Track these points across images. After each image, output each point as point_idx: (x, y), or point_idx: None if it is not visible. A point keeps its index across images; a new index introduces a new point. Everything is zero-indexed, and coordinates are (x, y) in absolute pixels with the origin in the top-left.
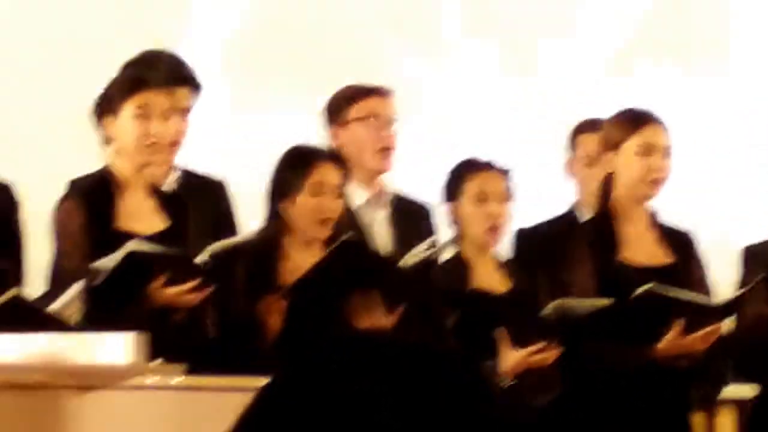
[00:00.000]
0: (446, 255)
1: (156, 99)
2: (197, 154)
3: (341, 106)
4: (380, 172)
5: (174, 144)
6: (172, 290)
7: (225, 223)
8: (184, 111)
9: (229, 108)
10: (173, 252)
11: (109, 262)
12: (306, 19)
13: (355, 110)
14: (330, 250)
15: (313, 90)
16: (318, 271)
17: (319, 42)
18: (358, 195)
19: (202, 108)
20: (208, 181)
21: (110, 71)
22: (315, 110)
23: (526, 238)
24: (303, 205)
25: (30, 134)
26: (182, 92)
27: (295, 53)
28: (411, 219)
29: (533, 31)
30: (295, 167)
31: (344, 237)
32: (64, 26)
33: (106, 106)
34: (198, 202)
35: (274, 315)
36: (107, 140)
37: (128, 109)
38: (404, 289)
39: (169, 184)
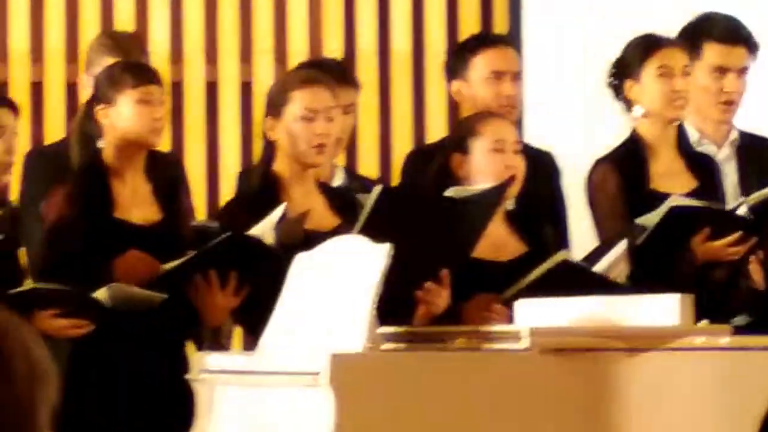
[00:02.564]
0: None
1: (677, 56)
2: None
3: None
4: None
5: (729, 103)
6: (716, 244)
7: None
8: (741, 71)
9: None
10: (714, 206)
11: (651, 219)
12: None
13: None
14: None
15: None
16: None
17: None
18: None
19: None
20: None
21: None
22: None
23: None
24: None
25: (563, 105)
26: (739, 51)
27: None
28: None
29: None
30: None
31: None
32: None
33: (625, 69)
34: (754, 163)
35: None
36: (630, 104)
37: (649, 70)
38: None
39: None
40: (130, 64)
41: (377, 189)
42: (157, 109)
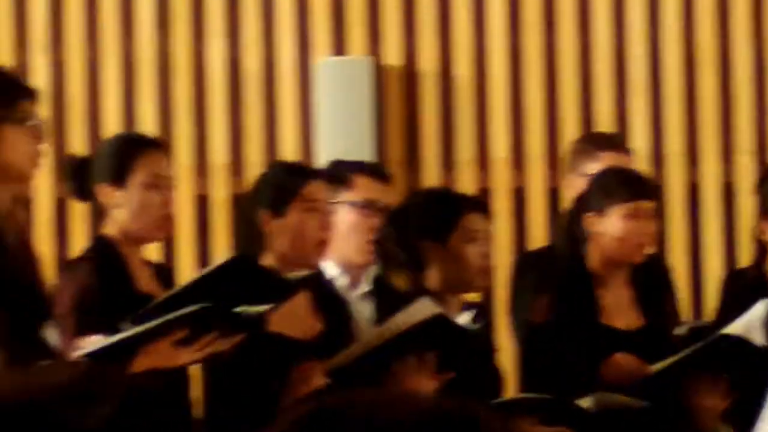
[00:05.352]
0: None
1: None
2: None
3: None
4: None
5: None
6: None
7: None
8: None
9: None
10: None
11: None
12: None
13: None
14: None
15: None
16: None
17: None
18: None
19: None
20: None
21: None
22: None
23: None
24: None
25: None
26: None
27: None
28: None
29: None
30: None
31: None
32: None
33: None
34: None
35: None
36: None
37: None
38: None
39: None
40: (624, 174)
41: None
42: (647, 224)
